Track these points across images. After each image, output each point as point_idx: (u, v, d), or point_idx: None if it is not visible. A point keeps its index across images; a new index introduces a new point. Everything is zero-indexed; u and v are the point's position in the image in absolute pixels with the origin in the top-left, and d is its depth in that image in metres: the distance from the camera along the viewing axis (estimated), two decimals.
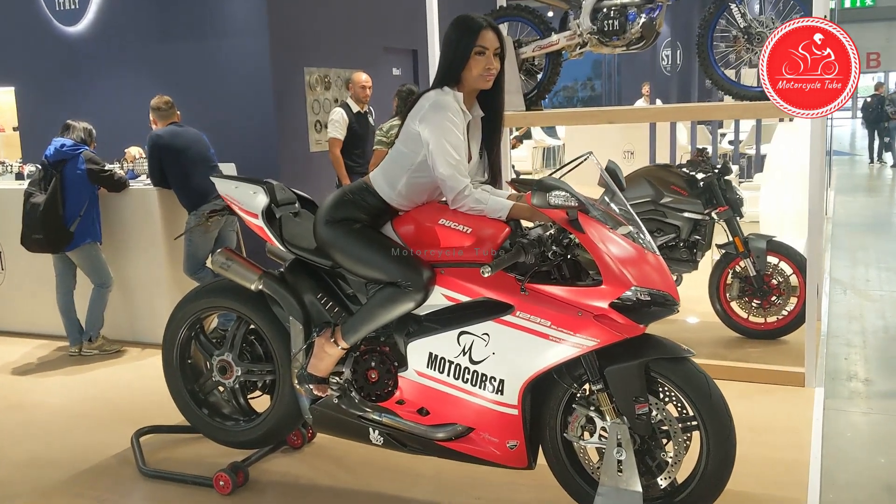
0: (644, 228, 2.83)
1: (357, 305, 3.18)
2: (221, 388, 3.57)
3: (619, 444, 2.76)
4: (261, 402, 3.58)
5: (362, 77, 6.78)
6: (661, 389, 2.83)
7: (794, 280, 5.02)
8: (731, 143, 12.82)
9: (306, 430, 3.79)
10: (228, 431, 3.53)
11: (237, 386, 3.52)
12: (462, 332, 2.86)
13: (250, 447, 3.55)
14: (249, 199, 3.34)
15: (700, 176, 5.12)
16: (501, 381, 2.83)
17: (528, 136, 15.06)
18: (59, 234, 5.30)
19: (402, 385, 3.02)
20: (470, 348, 2.85)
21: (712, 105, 4.22)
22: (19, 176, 6.83)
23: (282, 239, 3.28)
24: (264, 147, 7.01)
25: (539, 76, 5.18)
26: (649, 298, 2.68)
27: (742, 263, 5.11)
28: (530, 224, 3.00)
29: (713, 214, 5.07)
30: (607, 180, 2.85)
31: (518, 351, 2.78)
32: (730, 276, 5.18)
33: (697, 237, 5.10)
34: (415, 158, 2.98)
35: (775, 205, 6.22)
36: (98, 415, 4.46)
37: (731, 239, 5.12)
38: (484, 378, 2.85)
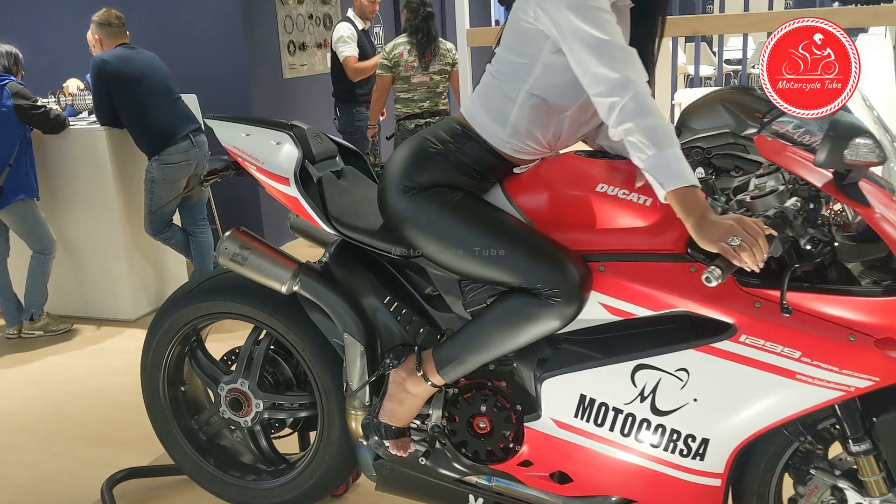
0: None
1: (444, 313, 2.08)
2: (234, 429, 2.46)
3: None
4: (289, 443, 2.52)
5: None
6: None
7: None
8: (728, 62, 11.73)
9: None
10: (245, 489, 2.43)
11: (258, 427, 2.41)
12: (640, 366, 1.81)
13: None
14: (272, 154, 2.16)
15: None
16: (704, 442, 1.80)
17: None
18: None
19: (530, 439, 1.96)
20: (653, 391, 1.80)
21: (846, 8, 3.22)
22: None
23: (326, 214, 2.14)
24: (230, 74, 5.90)
25: None
26: None
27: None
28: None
29: None
30: (885, 125, 1.80)
31: (740, 397, 1.75)
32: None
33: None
34: (532, 66, 1.86)
35: None
36: (46, 428, 3.37)
37: None
38: (674, 436, 1.82)
